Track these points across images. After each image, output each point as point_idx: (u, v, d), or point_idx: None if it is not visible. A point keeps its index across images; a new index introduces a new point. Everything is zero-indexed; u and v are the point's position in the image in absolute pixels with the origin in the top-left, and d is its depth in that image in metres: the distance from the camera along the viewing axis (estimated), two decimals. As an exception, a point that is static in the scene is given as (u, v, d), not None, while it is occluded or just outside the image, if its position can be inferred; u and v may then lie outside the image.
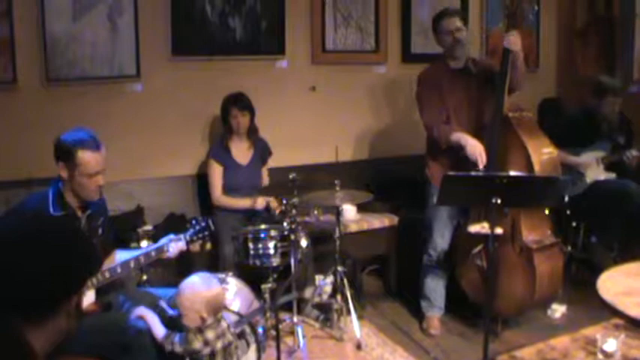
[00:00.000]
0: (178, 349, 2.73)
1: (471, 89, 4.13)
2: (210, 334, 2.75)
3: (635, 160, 4.82)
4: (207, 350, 2.73)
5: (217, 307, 2.83)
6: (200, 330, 2.74)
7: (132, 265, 3.04)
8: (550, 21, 6.34)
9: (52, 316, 1.45)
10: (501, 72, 3.89)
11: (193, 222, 3.35)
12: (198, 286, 2.80)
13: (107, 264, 3.03)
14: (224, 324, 2.83)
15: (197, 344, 2.72)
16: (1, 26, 4.12)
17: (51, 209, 2.88)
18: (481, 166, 3.80)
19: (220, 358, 2.76)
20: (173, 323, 2.83)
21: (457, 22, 4.07)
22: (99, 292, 2.94)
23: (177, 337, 2.74)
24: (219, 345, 2.76)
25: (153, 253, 3.13)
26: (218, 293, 2.84)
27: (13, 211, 3.00)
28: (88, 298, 2.86)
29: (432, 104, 4.10)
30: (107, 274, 2.94)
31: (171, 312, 2.85)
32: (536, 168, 3.82)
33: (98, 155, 2.91)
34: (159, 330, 2.79)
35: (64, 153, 2.88)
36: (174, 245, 3.19)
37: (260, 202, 4.41)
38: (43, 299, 1.43)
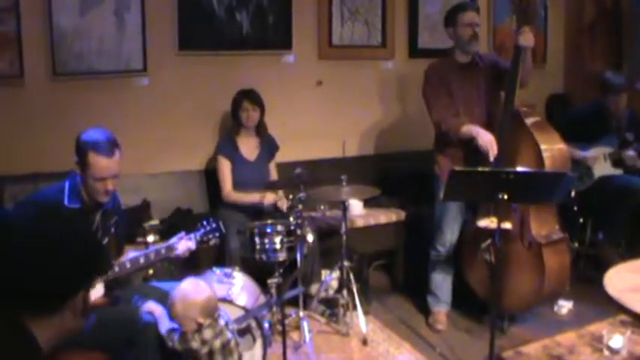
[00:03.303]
0: (178, 346, 2.74)
1: (480, 83, 4.12)
2: (207, 334, 2.76)
3: (634, 161, 4.81)
4: (205, 350, 2.74)
5: (212, 310, 2.82)
6: (198, 330, 2.75)
7: (142, 261, 3.05)
8: (558, 16, 6.31)
9: (57, 311, 1.46)
10: (513, 70, 3.85)
11: (204, 222, 3.36)
12: (189, 293, 2.80)
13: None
14: (221, 322, 2.84)
15: (194, 344, 2.73)
16: (8, 20, 4.13)
17: (66, 201, 2.89)
18: (492, 158, 3.78)
19: (219, 356, 2.77)
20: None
21: (476, 17, 4.06)
22: (107, 287, 2.96)
23: (176, 335, 2.75)
24: (217, 344, 2.77)
25: (163, 251, 3.14)
26: (209, 296, 2.83)
27: (29, 201, 3.02)
28: (97, 291, 2.88)
29: (439, 99, 4.08)
30: (117, 269, 2.95)
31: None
32: (547, 163, 3.80)
33: (110, 161, 2.88)
34: (164, 325, 2.80)
35: (79, 151, 2.89)
36: (183, 244, 3.19)
37: (269, 198, 4.40)
38: (47, 294, 1.43)
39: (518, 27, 3.86)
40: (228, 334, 2.83)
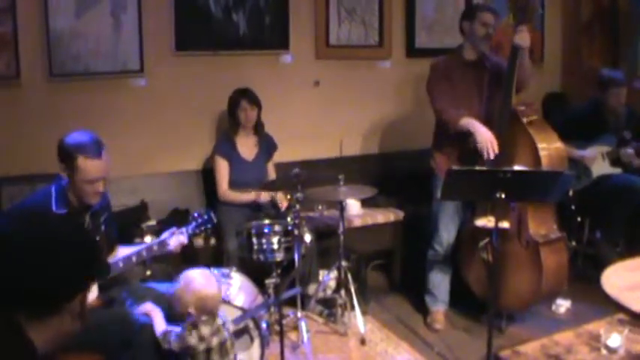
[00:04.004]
0: (174, 346, 2.73)
1: (483, 83, 4.11)
2: (205, 330, 2.75)
3: (631, 158, 4.81)
4: (202, 346, 2.74)
5: (210, 308, 2.80)
6: (195, 326, 2.74)
7: (134, 259, 3.04)
8: (555, 15, 6.30)
9: (54, 314, 1.45)
10: (510, 69, 3.86)
11: (195, 215, 3.35)
12: (195, 281, 2.80)
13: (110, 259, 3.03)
14: (219, 321, 2.83)
15: (192, 340, 2.72)
16: (5, 21, 4.12)
17: (54, 207, 2.85)
18: (491, 156, 3.78)
19: (216, 354, 2.76)
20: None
21: (493, 20, 4.07)
22: (102, 288, 2.95)
23: (173, 335, 2.74)
24: (214, 341, 2.76)
25: (155, 247, 3.12)
26: (212, 296, 2.81)
27: (16, 208, 2.99)
28: (91, 293, 2.86)
29: (442, 91, 4.08)
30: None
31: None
32: (544, 162, 3.80)
33: (99, 162, 2.84)
34: (160, 327, 2.79)
35: (65, 156, 2.83)
36: (175, 239, 3.18)
37: (264, 195, 4.40)
38: (47, 295, 1.42)
39: (516, 25, 3.87)
40: (225, 334, 2.83)
